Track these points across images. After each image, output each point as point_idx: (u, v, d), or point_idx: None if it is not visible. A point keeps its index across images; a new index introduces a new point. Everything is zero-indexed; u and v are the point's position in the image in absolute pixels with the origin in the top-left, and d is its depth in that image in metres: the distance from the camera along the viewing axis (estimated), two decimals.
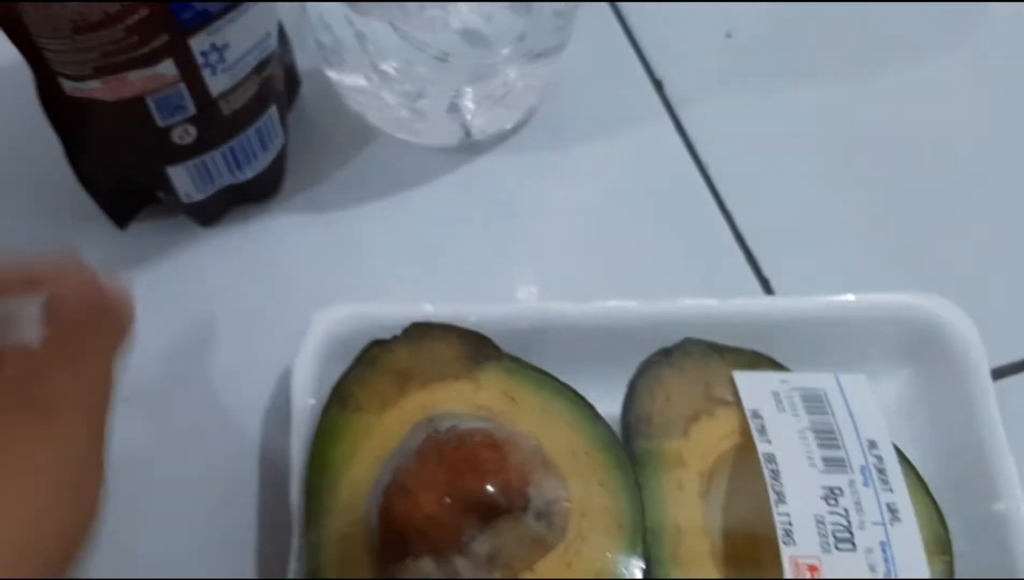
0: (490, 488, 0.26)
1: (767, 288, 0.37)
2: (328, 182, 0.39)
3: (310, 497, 0.28)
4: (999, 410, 0.31)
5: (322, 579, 0.27)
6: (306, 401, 0.30)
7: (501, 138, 0.40)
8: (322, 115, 0.40)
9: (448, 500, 0.25)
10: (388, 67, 0.36)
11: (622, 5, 0.43)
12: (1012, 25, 0.43)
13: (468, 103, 0.38)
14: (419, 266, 0.37)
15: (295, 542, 0.28)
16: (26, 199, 0.37)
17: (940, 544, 0.29)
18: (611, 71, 0.41)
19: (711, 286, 0.36)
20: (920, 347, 0.33)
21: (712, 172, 0.39)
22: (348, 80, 0.38)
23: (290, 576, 0.28)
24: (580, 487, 0.27)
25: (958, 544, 0.29)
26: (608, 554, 0.26)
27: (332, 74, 0.39)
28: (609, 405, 0.30)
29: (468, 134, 0.39)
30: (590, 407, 0.30)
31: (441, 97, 0.38)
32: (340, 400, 0.30)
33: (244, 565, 0.30)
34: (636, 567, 0.26)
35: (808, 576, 0.27)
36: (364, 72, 0.37)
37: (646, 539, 0.27)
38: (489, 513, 0.25)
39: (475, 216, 0.38)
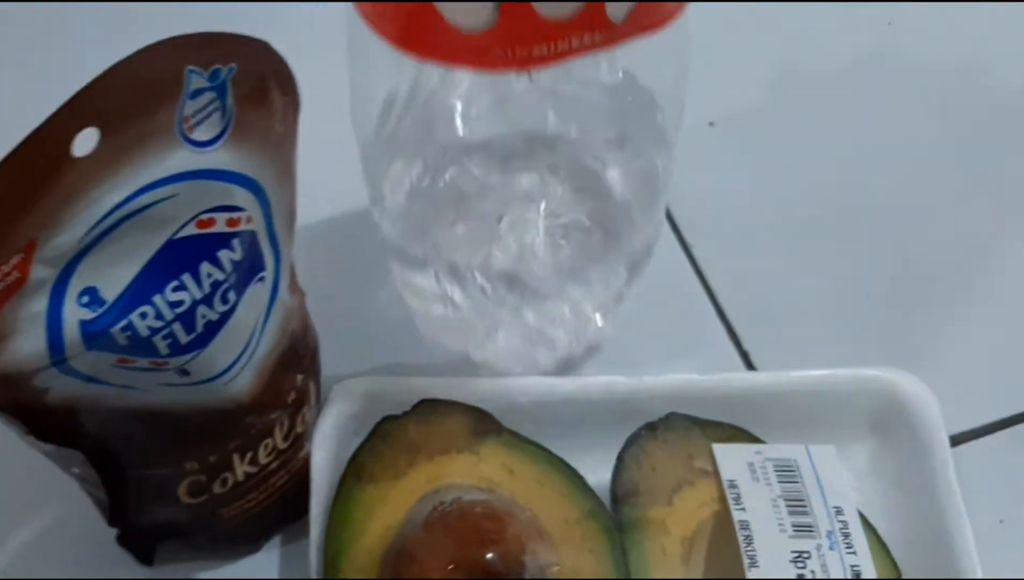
0: (490, 556, 0.29)
1: (747, 361, 0.40)
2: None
3: (327, 561, 0.31)
4: (956, 474, 0.34)
5: None
6: (323, 469, 0.33)
7: None
8: None
9: (452, 567, 0.28)
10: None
11: None
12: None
13: None
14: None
15: None
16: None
17: None
18: None
19: (696, 360, 0.39)
20: (885, 417, 0.36)
21: (696, 252, 0.42)
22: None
23: None
24: (571, 553, 0.30)
25: None
26: None
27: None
28: (601, 474, 0.34)
29: None
30: (581, 479, 0.33)
31: None
32: (355, 472, 0.33)
33: None
34: None
35: None
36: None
37: None
38: (489, 578, 0.28)
39: None
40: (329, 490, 0.33)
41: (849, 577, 0.31)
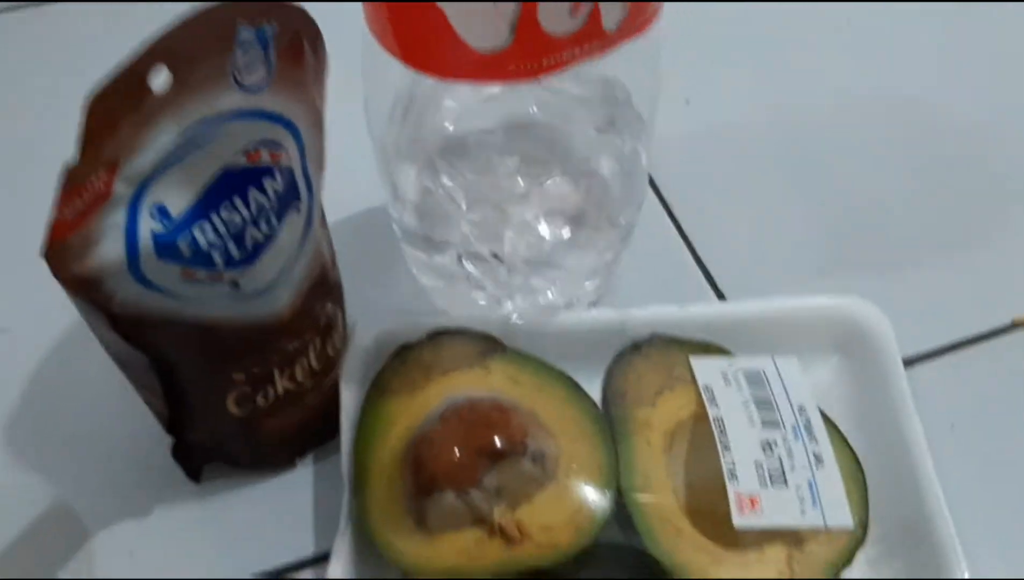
0: (496, 438, 0.33)
1: (721, 298, 0.45)
2: None
3: (357, 462, 0.36)
4: (911, 390, 0.38)
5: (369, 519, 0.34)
6: (352, 390, 0.38)
7: None
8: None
9: (465, 447, 0.33)
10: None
11: None
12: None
13: None
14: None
15: (346, 498, 0.36)
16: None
17: (857, 482, 0.36)
18: None
19: (675, 298, 0.43)
20: (845, 340, 0.41)
21: (673, 207, 0.47)
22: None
23: (342, 524, 0.35)
24: (569, 442, 0.35)
25: (876, 491, 0.36)
26: (590, 488, 0.34)
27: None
28: (593, 387, 0.38)
29: None
30: (576, 385, 0.37)
31: None
32: (379, 389, 0.38)
33: (305, 522, 0.38)
34: (610, 497, 0.34)
35: (749, 508, 0.34)
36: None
37: (619, 480, 0.34)
38: (496, 457, 0.33)
39: None
40: (356, 408, 0.38)
41: (811, 461, 0.35)
